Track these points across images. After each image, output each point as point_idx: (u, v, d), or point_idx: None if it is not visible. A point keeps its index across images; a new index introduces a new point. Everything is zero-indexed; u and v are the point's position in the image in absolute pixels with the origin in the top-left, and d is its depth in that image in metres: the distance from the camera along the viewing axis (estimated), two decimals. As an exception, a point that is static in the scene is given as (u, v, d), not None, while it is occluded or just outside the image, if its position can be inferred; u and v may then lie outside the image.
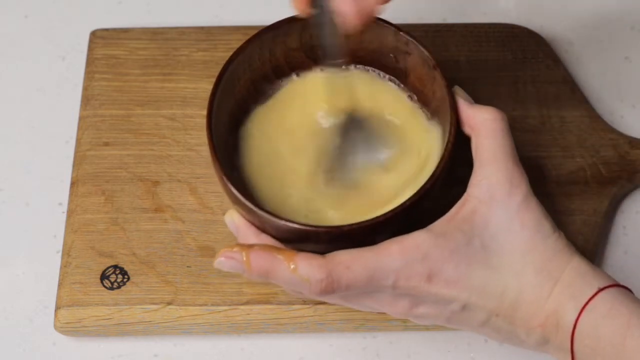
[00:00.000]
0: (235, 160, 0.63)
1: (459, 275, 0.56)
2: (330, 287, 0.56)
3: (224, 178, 0.59)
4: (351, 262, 0.56)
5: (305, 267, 0.56)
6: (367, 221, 0.57)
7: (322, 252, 0.57)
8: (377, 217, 0.57)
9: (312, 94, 0.65)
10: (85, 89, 0.74)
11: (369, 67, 0.66)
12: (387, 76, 0.66)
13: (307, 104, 0.65)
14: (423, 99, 0.64)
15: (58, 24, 0.79)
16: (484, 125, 0.59)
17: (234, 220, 0.60)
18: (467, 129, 0.60)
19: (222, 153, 0.60)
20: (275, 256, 0.56)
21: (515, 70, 0.73)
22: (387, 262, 0.56)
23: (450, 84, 0.61)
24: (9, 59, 0.78)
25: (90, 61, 0.75)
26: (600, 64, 0.76)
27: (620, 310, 0.54)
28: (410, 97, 0.65)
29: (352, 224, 0.57)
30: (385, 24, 0.63)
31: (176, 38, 0.75)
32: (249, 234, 0.59)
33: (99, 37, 0.76)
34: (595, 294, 0.55)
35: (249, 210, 0.58)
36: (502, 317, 0.57)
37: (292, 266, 0.56)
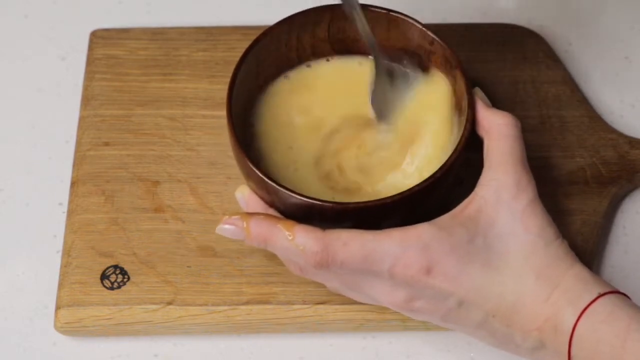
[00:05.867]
0: (248, 138, 0.64)
1: (459, 270, 0.56)
2: (325, 261, 0.57)
3: (239, 148, 0.60)
4: (349, 239, 0.56)
5: (302, 237, 0.57)
6: (373, 201, 0.58)
7: None
8: (383, 199, 0.58)
9: (330, 83, 0.66)
10: (85, 89, 0.74)
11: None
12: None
13: (325, 91, 0.66)
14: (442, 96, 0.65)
15: (58, 24, 0.79)
16: (497, 129, 0.60)
17: (244, 195, 0.62)
18: (480, 131, 0.61)
19: (239, 129, 0.61)
20: (274, 224, 0.58)
21: (515, 70, 0.73)
22: (386, 246, 0.56)
23: (470, 84, 0.61)
24: (9, 59, 0.78)
25: (90, 61, 0.75)
26: (600, 64, 0.76)
27: (620, 315, 0.54)
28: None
29: (358, 202, 0.58)
30: (413, 22, 0.64)
31: (176, 38, 0.75)
32: (257, 209, 0.61)
33: (99, 37, 0.76)
34: (595, 299, 0.55)
35: (259, 182, 0.59)
36: (498, 318, 0.57)
37: (290, 236, 0.57)
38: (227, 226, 0.59)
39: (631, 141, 0.71)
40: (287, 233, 0.57)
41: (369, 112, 0.65)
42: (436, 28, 0.75)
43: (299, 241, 0.57)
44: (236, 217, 0.59)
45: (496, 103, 0.71)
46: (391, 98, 0.65)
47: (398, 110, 0.65)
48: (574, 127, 0.71)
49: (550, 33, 0.77)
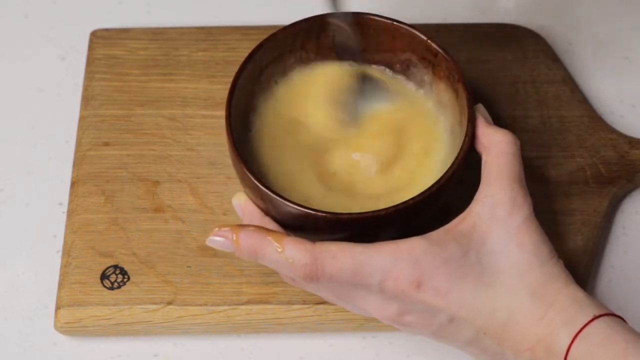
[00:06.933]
0: (247, 143, 0.64)
1: (450, 286, 0.55)
2: (314, 273, 0.56)
3: (236, 155, 0.59)
4: (339, 252, 0.56)
5: (291, 250, 0.57)
6: (366, 213, 0.57)
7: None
8: (377, 211, 0.57)
9: (329, 84, 0.66)
10: (85, 89, 0.74)
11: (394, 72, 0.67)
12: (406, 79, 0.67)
13: (325, 96, 0.66)
14: (443, 108, 0.65)
15: (58, 24, 0.79)
16: (496, 145, 0.59)
17: (241, 202, 0.61)
18: (479, 147, 0.60)
19: (238, 134, 0.61)
20: (264, 237, 0.58)
21: (515, 70, 0.73)
22: (376, 259, 0.56)
23: (472, 99, 0.61)
24: (9, 59, 0.78)
25: (90, 61, 0.75)
26: (600, 64, 0.76)
27: (616, 338, 0.53)
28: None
29: (352, 213, 0.57)
30: (417, 33, 0.64)
31: (176, 38, 0.75)
32: (253, 217, 0.61)
33: (99, 37, 0.76)
34: (590, 321, 0.54)
35: (254, 188, 0.59)
36: (490, 336, 0.56)
37: (279, 248, 0.57)
38: (217, 238, 0.59)
39: (631, 141, 0.71)
40: (276, 245, 0.57)
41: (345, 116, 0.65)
42: (436, 28, 0.75)
43: (288, 254, 0.57)
44: (226, 229, 0.59)
45: (496, 103, 0.72)
46: (366, 106, 0.65)
47: (373, 116, 0.65)
48: (574, 127, 0.71)
49: (550, 33, 0.77)
